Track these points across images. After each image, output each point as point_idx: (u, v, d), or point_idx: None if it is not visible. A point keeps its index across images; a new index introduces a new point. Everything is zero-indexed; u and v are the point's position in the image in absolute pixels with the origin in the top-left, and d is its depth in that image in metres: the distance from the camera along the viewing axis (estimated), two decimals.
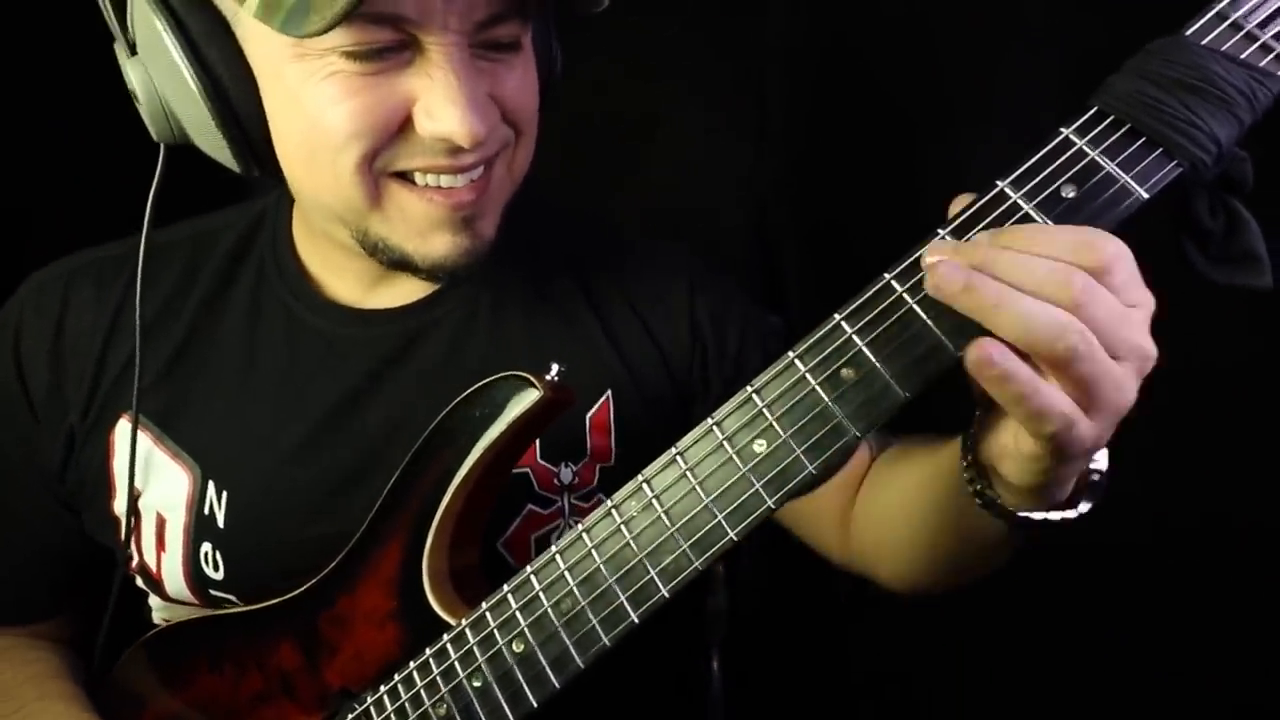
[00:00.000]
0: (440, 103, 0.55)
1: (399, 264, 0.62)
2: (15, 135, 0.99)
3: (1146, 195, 0.43)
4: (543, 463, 0.71)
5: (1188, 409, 0.87)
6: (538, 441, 0.70)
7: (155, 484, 0.70)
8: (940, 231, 0.46)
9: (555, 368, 0.60)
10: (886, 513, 0.68)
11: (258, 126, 0.58)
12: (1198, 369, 0.93)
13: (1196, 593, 0.98)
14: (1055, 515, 0.49)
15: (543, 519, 0.71)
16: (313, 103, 0.55)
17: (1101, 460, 0.49)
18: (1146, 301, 0.42)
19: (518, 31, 0.58)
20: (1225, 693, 0.99)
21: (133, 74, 0.59)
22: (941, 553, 0.62)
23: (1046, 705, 1.04)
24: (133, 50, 0.59)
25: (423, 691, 0.58)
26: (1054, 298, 0.39)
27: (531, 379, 0.59)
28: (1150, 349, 0.42)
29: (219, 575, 0.69)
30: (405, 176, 0.59)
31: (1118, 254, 0.40)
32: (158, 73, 0.58)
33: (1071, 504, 0.49)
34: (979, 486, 0.51)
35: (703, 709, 0.90)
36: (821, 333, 0.48)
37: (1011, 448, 0.46)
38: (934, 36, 0.99)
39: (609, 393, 0.73)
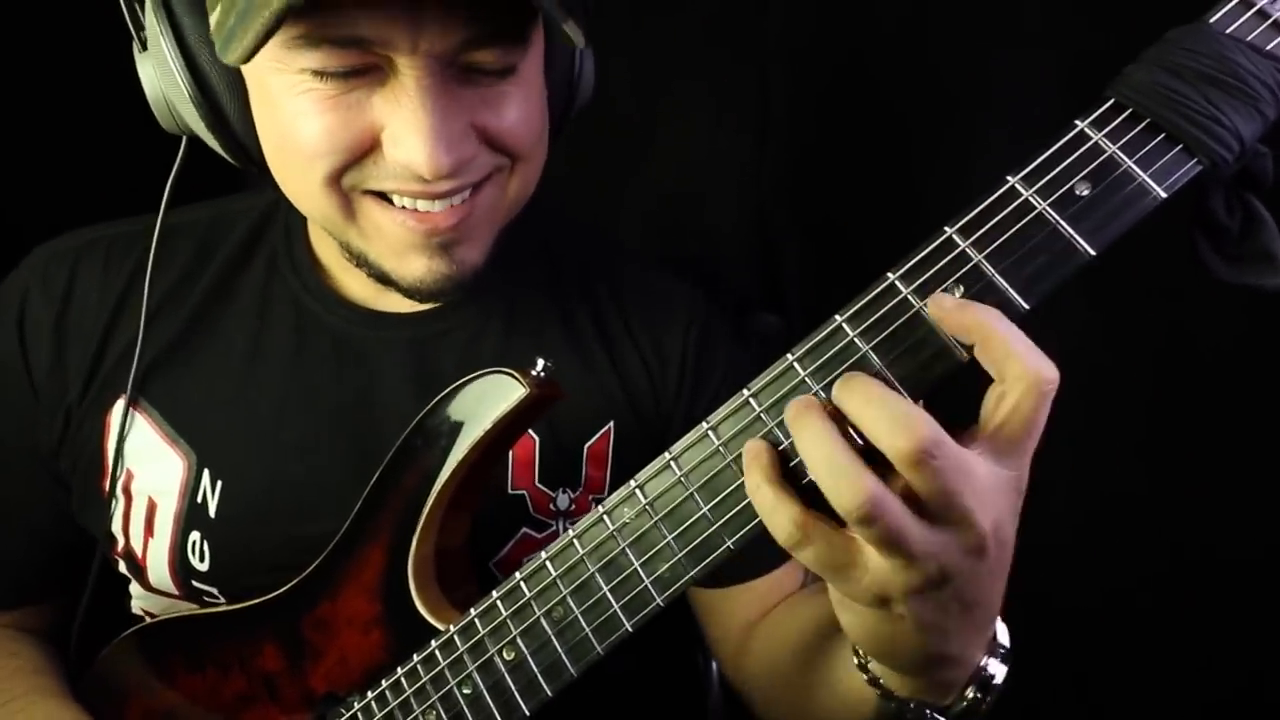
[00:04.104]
0: (405, 132, 0.53)
1: (381, 280, 0.62)
2: (20, 126, 0.97)
3: (1165, 194, 0.41)
4: (540, 486, 0.70)
5: (1189, 411, 0.88)
6: (537, 464, 0.69)
7: (149, 468, 0.69)
8: (947, 229, 0.44)
9: (541, 362, 0.57)
10: (780, 638, 0.66)
11: (247, 128, 0.58)
12: (1198, 370, 0.94)
13: (1200, 592, 0.99)
14: (925, 708, 0.47)
15: (537, 543, 0.70)
16: (286, 115, 0.55)
17: (995, 671, 0.47)
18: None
19: (508, 58, 0.55)
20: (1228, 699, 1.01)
21: (141, 69, 0.59)
22: (810, 709, 0.59)
23: (1044, 701, 1.06)
24: (145, 47, 0.58)
25: (411, 698, 0.57)
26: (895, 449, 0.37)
27: (516, 375, 0.57)
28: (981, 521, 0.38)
29: (204, 566, 0.68)
30: (383, 195, 0.58)
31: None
32: (159, 70, 0.57)
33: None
34: (858, 651, 0.49)
35: (703, 709, 0.90)
36: (822, 335, 0.45)
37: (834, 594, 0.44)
38: (934, 36, 0.97)
39: (611, 424, 0.71)
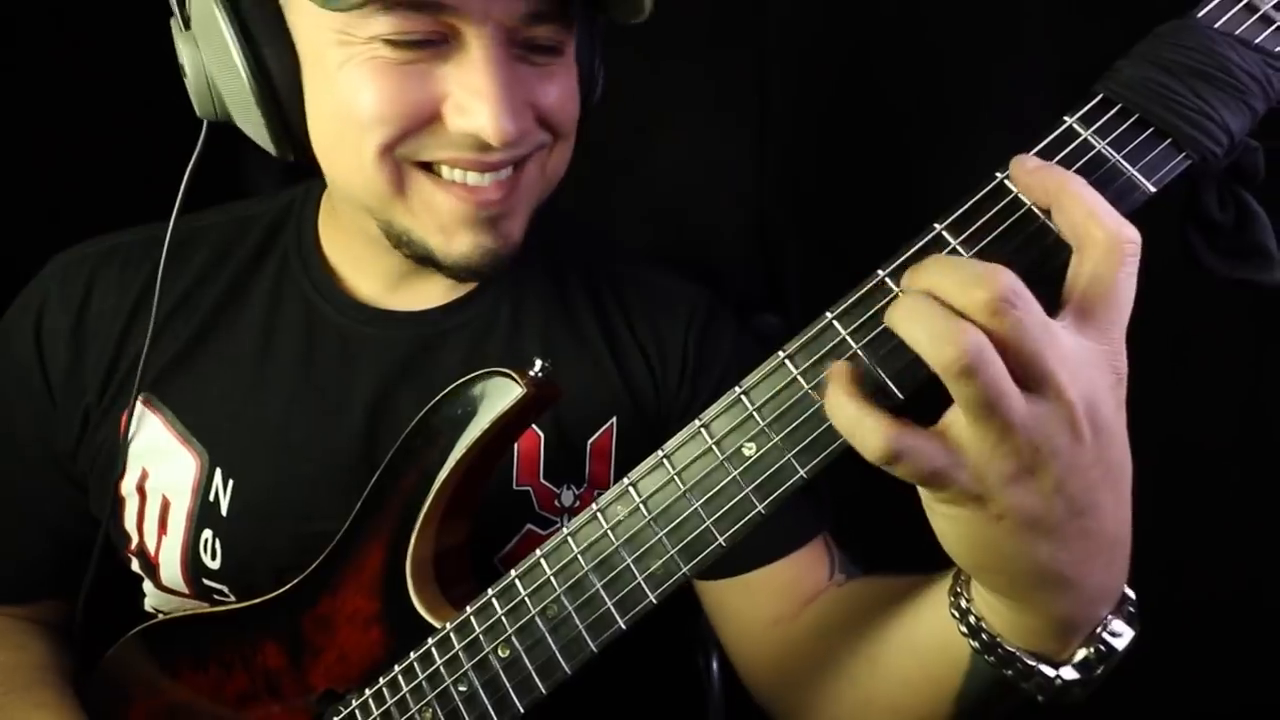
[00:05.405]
0: (473, 99, 0.54)
1: (423, 259, 0.62)
2: (32, 131, 0.99)
3: (1154, 189, 0.41)
4: (545, 483, 0.70)
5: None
6: (542, 460, 0.69)
7: (163, 467, 0.70)
8: (936, 225, 0.44)
9: (539, 362, 0.58)
10: (837, 623, 0.60)
11: (296, 109, 0.58)
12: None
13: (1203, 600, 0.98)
14: (1028, 658, 0.43)
15: (542, 540, 0.68)
16: (347, 84, 0.55)
17: (1118, 630, 0.43)
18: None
19: (559, 36, 0.58)
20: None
21: (183, 49, 0.60)
22: (881, 691, 0.55)
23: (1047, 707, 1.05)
24: (187, 25, 0.59)
25: (408, 696, 0.57)
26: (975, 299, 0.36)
27: (513, 375, 0.57)
28: (1067, 391, 0.36)
29: (215, 565, 0.69)
30: (431, 169, 0.59)
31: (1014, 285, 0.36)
32: (207, 49, 0.58)
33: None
34: (958, 591, 0.46)
35: (703, 709, 0.90)
36: (813, 332, 0.46)
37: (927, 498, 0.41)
38: (934, 38, 0.98)
39: (613, 420, 0.71)
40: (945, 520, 0.41)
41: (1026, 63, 0.93)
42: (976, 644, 0.45)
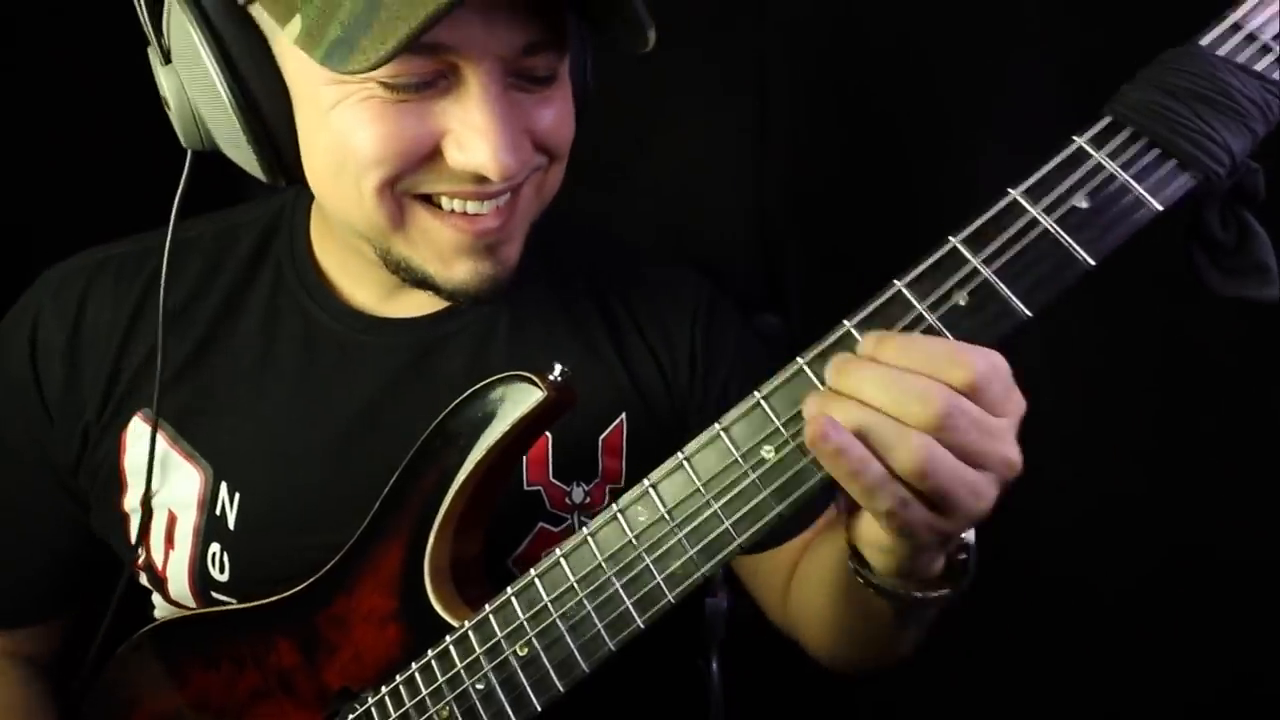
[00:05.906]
0: (473, 137, 0.54)
1: (421, 283, 0.62)
2: (27, 138, 0.98)
3: (1160, 207, 0.43)
4: (555, 481, 0.70)
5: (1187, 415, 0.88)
6: (550, 460, 0.70)
7: (168, 482, 0.70)
8: (952, 239, 0.46)
9: (559, 368, 0.59)
10: (809, 576, 0.70)
11: (289, 141, 0.58)
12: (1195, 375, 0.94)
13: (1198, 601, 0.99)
14: (931, 594, 0.52)
15: (554, 537, 0.70)
16: (343, 123, 0.54)
17: (969, 538, 0.52)
18: (1017, 410, 0.45)
19: (554, 64, 0.57)
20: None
21: (165, 81, 0.59)
22: (843, 622, 0.64)
23: (1045, 703, 1.06)
24: (167, 58, 0.58)
25: (425, 693, 0.58)
26: (917, 418, 0.42)
27: (534, 379, 0.59)
28: (1014, 458, 0.44)
29: (224, 578, 0.69)
30: (430, 199, 0.59)
31: (988, 370, 0.43)
32: (191, 82, 0.57)
33: (946, 583, 0.52)
34: (855, 564, 0.53)
35: (703, 709, 0.91)
36: (832, 340, 0.47)
37: (870, 537, 0.49)
38: (934, 40, 0.99)
39: (623, 416, 0.72)
40: (877, 553, 0.50)
41: (1025, 65, 0.94)
42: (875, 592, 0.53)
